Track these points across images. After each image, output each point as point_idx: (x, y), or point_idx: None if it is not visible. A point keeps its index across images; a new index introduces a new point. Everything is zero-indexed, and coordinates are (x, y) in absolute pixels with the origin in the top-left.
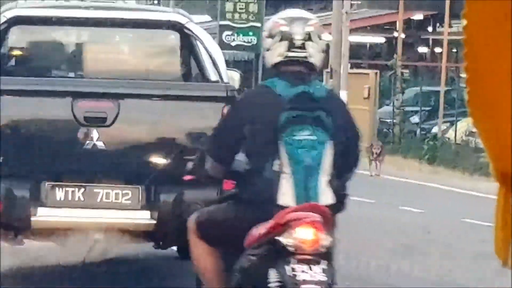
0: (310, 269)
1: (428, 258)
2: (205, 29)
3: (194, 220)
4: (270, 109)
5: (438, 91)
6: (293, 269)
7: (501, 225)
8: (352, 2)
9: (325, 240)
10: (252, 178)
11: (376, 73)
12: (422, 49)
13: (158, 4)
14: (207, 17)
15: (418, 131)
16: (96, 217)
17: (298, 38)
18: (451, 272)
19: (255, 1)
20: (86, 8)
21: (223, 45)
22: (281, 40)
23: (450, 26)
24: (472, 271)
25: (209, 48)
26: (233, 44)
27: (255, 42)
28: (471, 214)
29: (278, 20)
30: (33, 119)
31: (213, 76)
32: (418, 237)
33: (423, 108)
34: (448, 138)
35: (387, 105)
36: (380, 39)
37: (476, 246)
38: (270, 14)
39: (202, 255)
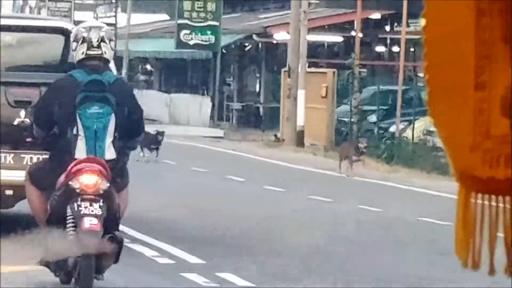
0: (91, 206)
1: (385, 257)
2: (163, 28)
3: (28, 170)
4: (72, 91)
5: (396, 90)
6: (78, 206)
7: (461, 225)
8: (310, 1)
9: (103, 184)
10: (60, 139)
11: (334, 72)
12: (380, 48)
13: (116, 3)
14: (164, 16)
15: (375, 130)
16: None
17: (94, 41)
18: (409, 271)
19: (213, 0)
20: None
21: (181, 44)
22: (82, 42)
23: (407, 25)
24: (430, 270)
25: None
26: (191, 43)
27: (213, 40)
28: (428, 213)
29: (81, 28)
30: None
31: None
32: (376, 236)
33: (380, 107)
34: (406, 137)
35: (345, 104)
36: (338, 38)
37: (433, 245)
38: (227, 13)
39: (33, 197)
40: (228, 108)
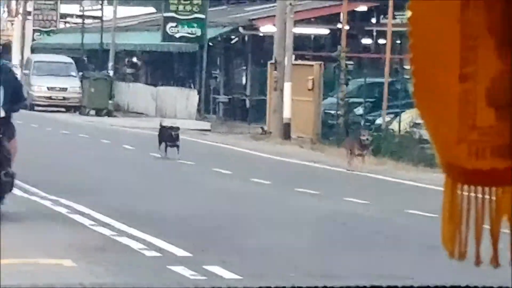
0: None
1: (375, 250)
2: (149, 21)
3: None
4: None
5: (382, 83)
6: None
7: (447, 216)
8: None
9: None
10: None
11: (320, 64)
12: (366, 41)
13: None
14: (151, 9)
15: (362, 123)
16: None
17: None
18: (396, 263)
19: None
20: None
21: (167, 37)
22: None
23: (393, 17)
24: (417, 262)
25: None
26: (177, 35)
27: (199, 33)
28: (415, 205)
29: None
30: None
31: None
32: (363, 229)
33: (367, 100)
34: (392, 130)
35: (332, 96)
36: (324, 30)
37: (420, 237)
38: (213, 6)
39: None
40: (214, 101)
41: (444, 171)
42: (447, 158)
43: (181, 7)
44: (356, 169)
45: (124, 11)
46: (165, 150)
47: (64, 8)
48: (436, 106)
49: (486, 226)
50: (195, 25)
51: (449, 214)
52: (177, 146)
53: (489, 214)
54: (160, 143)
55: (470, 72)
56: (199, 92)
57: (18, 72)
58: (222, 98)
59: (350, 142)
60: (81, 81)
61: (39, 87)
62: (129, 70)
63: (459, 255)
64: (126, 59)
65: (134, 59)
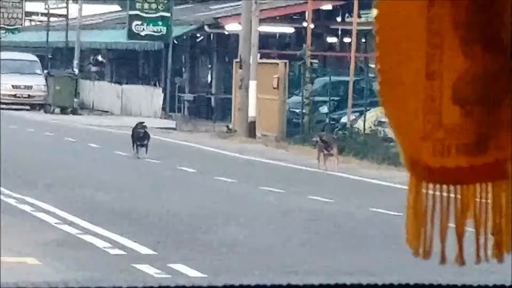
0: None
1: (337, 249)
2: (114, 19)
3: None
4: None
5: (347, 81)
6: None
7: (412, 214)
8: None
9: None
10: None
11: (285, 63)
12: (331, 39)
13: None
14: (116, 7)
15: (327, 121)
16: None
17: None
18: (357, 260)
19: None
20: None
21: (132, 35)
22: None
23: (359, 16)
24: (381, 259)
25: None
26: (142, 34)
27: (164, 31)
28: (379, 204)
29: None
30: None
31: None
32: (326, 228)
33: (332, 98)
34: (357, 128)
35: (297, 95)
36: (289, 29)
37: (384, 235)
38: (179, 4)
39: None
40: (180, 99)
41: (408, 169)
42: (411, 156)
43: (146, 5)
44: (329, 169)
45: (89, 9)
46: (136, 150)
47: (29, 6)
48: (401, 104)
49: (452, 225)
50: (160, 23)
51: (413, 213)
52: (146, 145)
53: (454, 213)
54: (133, 143)
55: (436, 69)
56: (164, 90)
57: None
58: (188, 96)
59: (320, 143)
60: (46, 79)
61: (4, 85)
62: (94, 68)
63: (423, 254)
64: (91, 57)
65: (99, 57)
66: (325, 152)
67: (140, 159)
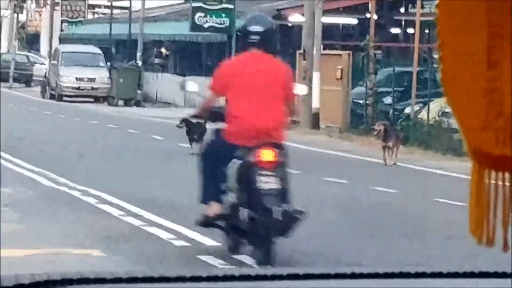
0: None
1: (401, 239)
2: (177, 11)
3: None
4: None
5: (411, 72)
6: None
7: (475, 203)
8: None
9: None
10: None
11: (349, 54)
12: (395, 30)
13: None
14: None
15: (391, 112)
16: None
17: None
18: (425, 252)
19: None
20: None
21: (195, 27)
22: None
23: (422, 7)
24: (445, 251)
25: None
26: (205, 26)
27: (227, 23)
28: (444, 194)
29: None
30: None
31: None
32: (392, 217)
33: (395, 89)
34: (421, 119)
35: (360, 86)
36: (352, 20)
37: (448, 227)
38: None
39: None
40: None
41: (471, 158)
42: (473, 144)
43: None
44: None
45: (152, 1)
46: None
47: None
48: (463, 93)
49: None
50: (223, 15)
51: (476, 201)
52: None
53: None
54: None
55: (497, 59)
56: None
57: (46, 62)
58: None
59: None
60: (110, 71)
61: (67, 77)
62: (157, 60)
63: (487, 242)
64: (155, 49)
65: (163, 49)
66: (384, 144)
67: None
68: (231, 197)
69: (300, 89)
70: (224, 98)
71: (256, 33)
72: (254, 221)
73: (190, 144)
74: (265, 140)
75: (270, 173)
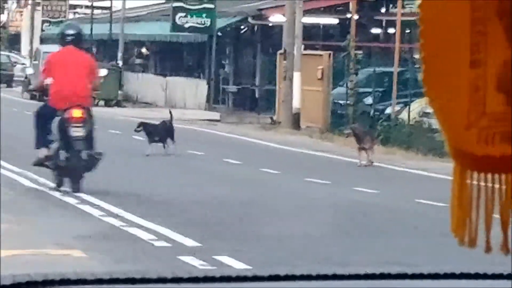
0: None
1: (382, 240)
2: (158, 11)
3: None
4: None
5: (392, 72)
6: None
7: (457, 203)
8: None
9: None
10: None
11: (329, 54)
12: (376, 30)
13: None
14: None
15: (371, 112)
16: None
17: None
18: (405, 251)
19: None
20: None
21: (176, 27)
22: None
23: (403, 7)
24: (426, 249)
25: None
26: (186, 26)
27: (208, 23)
28: (425, 195)
29: None
30: None
31: None
32: (372, 218)
33: (376, 89)
34: (402, 119)
35: (341, 86)
36: (333, 20)
37: (430, 226)
38: None
39: None
40: (224, 91)
41: (453, 158)
42: (456, 144)
43: None
44: (366, 162)
45: (133, 1)
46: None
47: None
48: (446, 93)
49: (497, 216)
50: (204, 15)
51: (458, 201)
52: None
53: (498, 201)
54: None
55: (480, 57)
56: (208, 82)
57: (27, 63)
58: (232, 88)
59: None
60: None
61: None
62: (138, 61)
63: (469, 243)
64: (135, 50)
65: (143, 50)
66: (359, 146)
67: (184, 150)
68: (55, 144)
69: (101, 72)
70: (50, 79)
71: (70, 35)
72: (69, 160)
73: (149, 144)
74: (75, 103)
75: (79, 125)
